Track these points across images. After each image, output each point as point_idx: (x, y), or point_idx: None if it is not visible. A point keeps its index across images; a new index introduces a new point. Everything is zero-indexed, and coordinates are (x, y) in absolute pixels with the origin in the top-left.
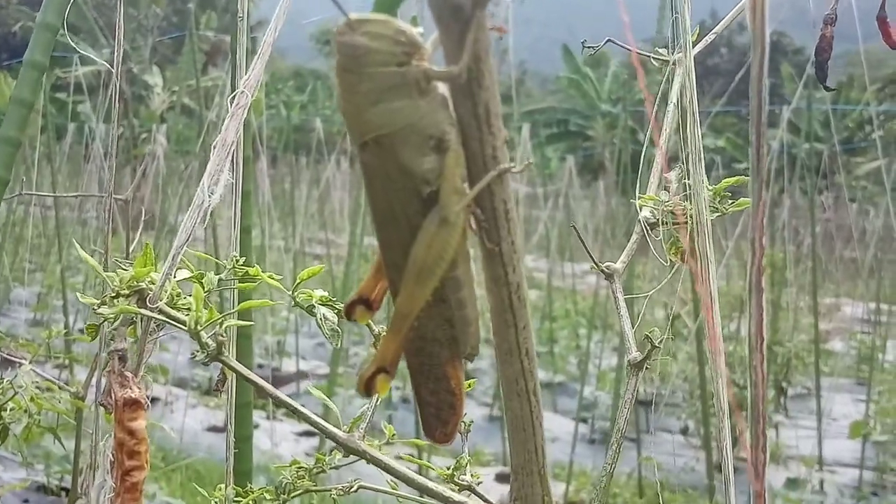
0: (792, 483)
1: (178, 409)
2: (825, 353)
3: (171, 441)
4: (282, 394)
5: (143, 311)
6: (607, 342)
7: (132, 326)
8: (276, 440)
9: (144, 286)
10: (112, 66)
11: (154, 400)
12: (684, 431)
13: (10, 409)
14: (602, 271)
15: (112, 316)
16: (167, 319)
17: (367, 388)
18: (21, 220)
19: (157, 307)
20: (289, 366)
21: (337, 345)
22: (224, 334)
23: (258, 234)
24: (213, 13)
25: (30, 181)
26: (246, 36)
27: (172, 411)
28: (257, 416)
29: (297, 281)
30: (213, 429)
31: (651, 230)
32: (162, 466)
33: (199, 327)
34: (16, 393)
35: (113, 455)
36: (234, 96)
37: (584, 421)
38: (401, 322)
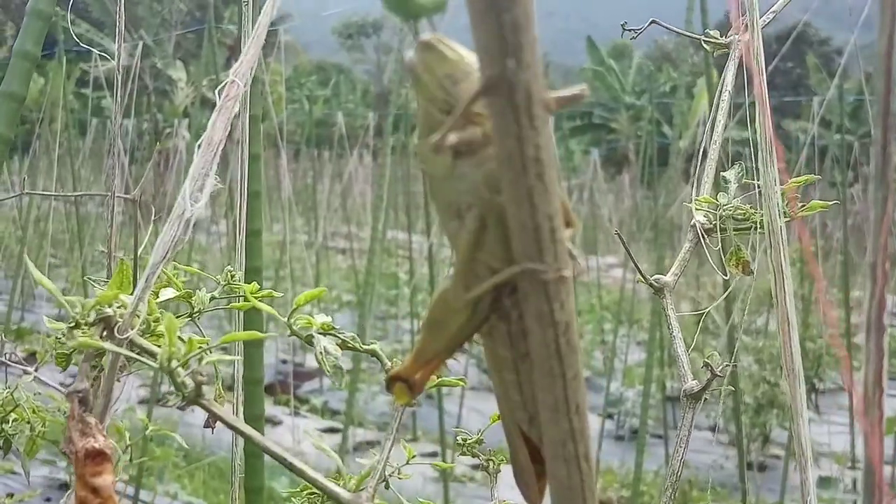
0: (824, 482)
1: None
2: (855, 348)
3: (193, 439)
4: (273, 445)
5: (104, 343)
6: (633, 337)
7: (101, 357)
8: (299, 437)
9: (112, 313)
10: (133, 61)
11: None
12: (713, 429)
13: (14, 421)
14: (651, 285)
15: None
16: (135, 355)
17: (388, 387)
18: (46, 215)
19: (126, 338)
20: (312, 361)
21: (341, 385)
22: (203, 374)
23: (280, 228)
24: (237, 7)
25: (52, 176)
26: (251, 23)
27: (193, 410)
28: (279, 411)
29: (294, 306)
30: None
31: (706, 237)
32: (184, 465)
33: (172, 364)
34: (17, 405)
35: None
36: (224, 86)
37: (611, 417)
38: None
